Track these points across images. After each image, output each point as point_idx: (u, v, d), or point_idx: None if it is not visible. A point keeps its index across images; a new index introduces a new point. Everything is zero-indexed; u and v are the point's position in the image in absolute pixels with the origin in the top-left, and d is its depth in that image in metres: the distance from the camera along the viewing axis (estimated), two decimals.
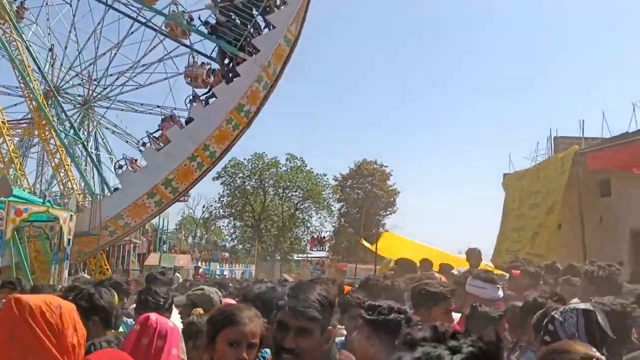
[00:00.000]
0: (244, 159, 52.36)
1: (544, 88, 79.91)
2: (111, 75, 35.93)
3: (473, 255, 8.72)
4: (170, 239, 50.87)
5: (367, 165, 53.76)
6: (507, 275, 6.89)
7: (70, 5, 36.94)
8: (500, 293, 4.72)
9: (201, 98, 23.14)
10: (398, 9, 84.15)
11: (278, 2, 22.23)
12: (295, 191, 54.01)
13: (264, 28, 22.42)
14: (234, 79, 21.42)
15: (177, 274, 20.37)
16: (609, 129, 11.71)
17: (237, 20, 21.81)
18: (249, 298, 3.31)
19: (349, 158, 75.69)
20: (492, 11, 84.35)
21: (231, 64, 22.10)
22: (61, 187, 23.12)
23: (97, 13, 37.38)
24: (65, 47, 36.99)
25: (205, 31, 22.85)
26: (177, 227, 55.58)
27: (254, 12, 21.73)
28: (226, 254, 42.59)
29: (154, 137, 23.21)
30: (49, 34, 36.83)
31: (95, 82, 36.45)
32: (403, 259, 8.26)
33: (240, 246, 56.19)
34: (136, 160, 24.76)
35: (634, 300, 3.55)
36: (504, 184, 14.30)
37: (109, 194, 24.29)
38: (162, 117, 25.00)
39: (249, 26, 21.43)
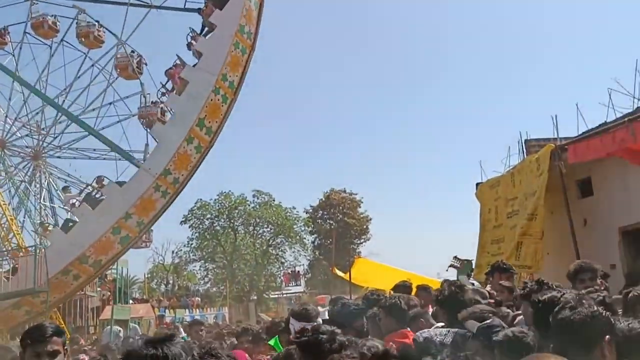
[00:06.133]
0: (210, 200, 51.10)
1: (510, 91, 79.50)
2: (60, 122, 34.47)
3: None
4: (142, 288, 48.79)
5: (336, 195, 52.94)
6: None
7: (13, 55, 35.66)
8: None
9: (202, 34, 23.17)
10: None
11: None
12: (266, 227, 52.64)
13: None
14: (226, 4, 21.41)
15: (133, 325, 18.82)
16: (586, 122, 10.96)
17: None
18: None
19: (318, 190, 74.56)
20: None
21: None
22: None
23: (41, 61, 36.24)
24: (9, 98, 35.50)
25: None
26: (149, 275, 53.47)
27: None
28: (197, 298, 40.79)
29: (165, 88, 24.29)
30: None
31: (44, 132, 35.06)
32: (402, 282, 7.08)
33: (215, 289, 54.35)
34: (103, 179, 24.05)
35: None
36: (477, 195, 13.42)
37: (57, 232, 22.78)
38: (172, 65, 24.15)
39: None
